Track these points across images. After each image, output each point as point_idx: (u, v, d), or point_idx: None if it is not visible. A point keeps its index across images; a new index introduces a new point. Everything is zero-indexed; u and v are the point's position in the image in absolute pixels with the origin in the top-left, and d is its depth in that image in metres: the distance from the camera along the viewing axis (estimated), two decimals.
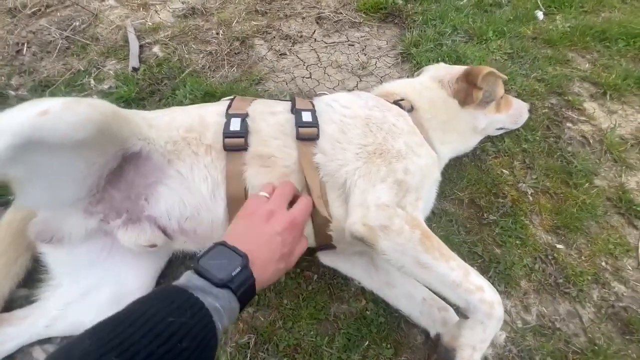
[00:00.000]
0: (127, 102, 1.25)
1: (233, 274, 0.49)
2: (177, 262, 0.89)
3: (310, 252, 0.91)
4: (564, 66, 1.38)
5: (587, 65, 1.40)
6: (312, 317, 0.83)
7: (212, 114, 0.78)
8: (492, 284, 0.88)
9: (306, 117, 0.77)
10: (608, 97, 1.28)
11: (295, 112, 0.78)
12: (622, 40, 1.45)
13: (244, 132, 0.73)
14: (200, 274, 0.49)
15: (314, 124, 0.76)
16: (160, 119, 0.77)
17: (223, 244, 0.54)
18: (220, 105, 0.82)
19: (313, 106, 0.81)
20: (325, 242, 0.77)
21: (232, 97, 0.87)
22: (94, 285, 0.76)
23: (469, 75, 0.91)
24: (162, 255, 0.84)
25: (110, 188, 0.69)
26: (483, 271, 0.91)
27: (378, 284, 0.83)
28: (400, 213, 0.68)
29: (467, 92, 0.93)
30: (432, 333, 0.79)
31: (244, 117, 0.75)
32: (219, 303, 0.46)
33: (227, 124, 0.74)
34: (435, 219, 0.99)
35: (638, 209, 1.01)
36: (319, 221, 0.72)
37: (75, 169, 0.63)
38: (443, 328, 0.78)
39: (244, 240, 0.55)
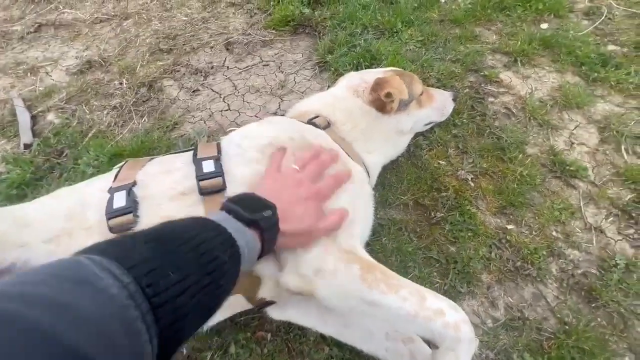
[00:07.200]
0: (21, 186, 1.08)
1: (265, 214, 0.51)
2: None
3: (257, 309, 0.82)
4: (474, 42, 1.40)
5: (494, 37, 1.43)
6: None
7: (94, 190, 0.68)
8: (454, 286, 0.85)
9: (207, 167, 0.68)
10: (519, 63, 1.30)
11: (196, 162, 0.69)
12: (520, 6, 1.51)
13: (130, 207, 0.62)
14: (231, 212, 0.50)
15: (217, 173, 0.67)
16: (39, 211, 0.65)
17: (252, 195, 0.55)
18: (106, 179, 0.70)
19: (219, 149, 0.73)
20: (261, 303, 0.68)
21: (123, 162, 0.75)
22: None
23: (376, 89, 0.86)
24: None
25: None
26: (443, 275, 0.86)
27: (335, 328, 0.75)
28: (331, 249, 0.61)
29: (382, 101, 0.88)
30: None
31: (129, 187, 0.65)
32: (246, 241, 0.47)
33: (110, 201, 0.63)
34: (384, 232, 0.93)
35: (571, 168, 1.02)
36: (246, 286, 0.63)
37: None
38: None
39: (271, 195, 0.56)
